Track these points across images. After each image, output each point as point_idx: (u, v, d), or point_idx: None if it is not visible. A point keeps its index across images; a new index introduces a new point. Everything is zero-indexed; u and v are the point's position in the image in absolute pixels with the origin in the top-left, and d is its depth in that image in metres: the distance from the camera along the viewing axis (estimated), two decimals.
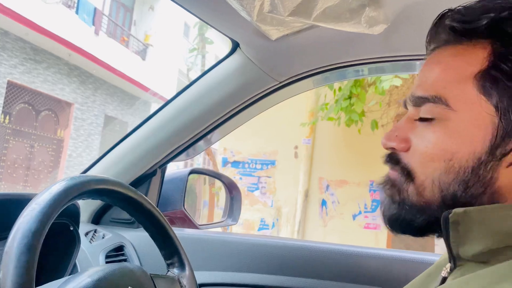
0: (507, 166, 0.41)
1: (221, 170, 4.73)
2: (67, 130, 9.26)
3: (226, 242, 1.10)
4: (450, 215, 0.41)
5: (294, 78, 0.94)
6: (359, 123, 3.91)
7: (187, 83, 1.04)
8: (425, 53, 0.50)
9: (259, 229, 4.75)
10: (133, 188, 0.72)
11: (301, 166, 4.57)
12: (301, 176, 4.57)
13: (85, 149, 9.61)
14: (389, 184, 0.47)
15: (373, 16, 0.68)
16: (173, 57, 11.65)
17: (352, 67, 0.93)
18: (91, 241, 0.97)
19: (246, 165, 4.83)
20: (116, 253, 0.97)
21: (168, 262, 0.76)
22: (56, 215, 0.53)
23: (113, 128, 10.36)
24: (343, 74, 1.03)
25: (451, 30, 0.45)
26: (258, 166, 4.80)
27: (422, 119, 0.45)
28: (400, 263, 0.97)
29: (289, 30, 0.73)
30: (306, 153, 4.58)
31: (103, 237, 0.99)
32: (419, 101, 0.45)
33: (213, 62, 1.03)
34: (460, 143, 0.42)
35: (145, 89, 10.61)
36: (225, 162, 4.89)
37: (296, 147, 4.64)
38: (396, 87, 3.60)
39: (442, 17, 0.46)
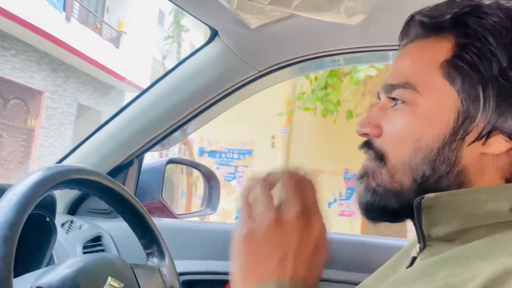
0: (468, 145, 0.44)
1: (198, 159, 4.71)
2: (37, 119, 8.98)
3: (205, 231, 1.10)
4: (423, 200, 0.44)
5: (273, 67, 0.94)
6: (334, 113, 3.95)
7: (162, 71, 1.03)
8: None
9: (236, 217, 4.77)
10: (111, 178, 0.71)
11: (278, 155, 4.60)
12: (278, 165, 4.59)
13: (57, 139, 9.36)
14: (365, 173, 0.50)
15: (351, 7, 0.69)
16: (148, 45, 11.42)
17: (330, 56, 0.94)
18: (68, 232, 0.95)
19: (223, 155, 4.82)
20: (94, 244, 0.96)
21: (148, 251, 0.76)
22: (33, 206, 0.52)
23: (88, 117, 10.12)
24: (320, 64, 1.03)
25: (420, 25, 0.49)
26: (235, 156, 4.80)
27: (394, 99, 0.48)
28: (374, 249, 1.00)
29: (268, 18, 0.73)
30: (283, 143, 4.60)
31: (80, 228, 0.98)
32: (390, 88, 0.48)
33: (189, 50, 1.01)
34: (427, 125, 0.45)
35: (119, 77, 10.39)
36: (201, 152, 4.87)
37: (273, 137, 4.66)
38: (371, 77, 3.65)
39: (413, 15, 0.50)
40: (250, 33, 0.80)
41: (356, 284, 0.55)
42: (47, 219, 0.79)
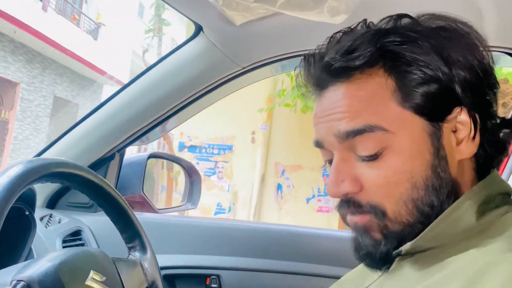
0: (450, 158, 0.45)
1: (178, 154, 4.68)
2: (12, 111, 8.74)
3: (186, 226, 1.11)
4: (401, 253, 0.45)
5: (257, 64, 0.95)
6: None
7: (142, 65, 1.03)
8: None
9: (215, 213, 4.77)
10: (93, 171, 0.71)
11: (258, 151, 4.62)
12: (258, 161, 4.61)
13: (32, 132, 9.13)
14: (365, 229, 0.47)
15: (335, 6, 0.70)
16: (127, 38, 11.23)
17: None
18: (47, 226, 0.94)
19: (203, 150, 4.81)
20: (73, 238, 0.95)
21: (130, 245, 0.76)
22: (15, 200, 0.51)
23: (64, 110, 9.89)
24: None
25: (340, 68, 0.46)
26: (215, 151, 4.79)
27: (368, 157, 0.45)
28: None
29: (253, 16, 0.74)
30: (263, 139, 4.62)
31: (59, 222, 0.97)
32: (351, 134, 0.45)
33: (170, 44, 1.01)
34: (412, 159, 0.44)
35: (97, 69, 10.19)
36: (181, 147, 4.84)
37: (253, 133, 4.67)
38: None
39: (328, 61, 0.47)
40: (234, 30, 0.80)
41: (331, 277, 0.56)
42: (27, 213, 0.78)
